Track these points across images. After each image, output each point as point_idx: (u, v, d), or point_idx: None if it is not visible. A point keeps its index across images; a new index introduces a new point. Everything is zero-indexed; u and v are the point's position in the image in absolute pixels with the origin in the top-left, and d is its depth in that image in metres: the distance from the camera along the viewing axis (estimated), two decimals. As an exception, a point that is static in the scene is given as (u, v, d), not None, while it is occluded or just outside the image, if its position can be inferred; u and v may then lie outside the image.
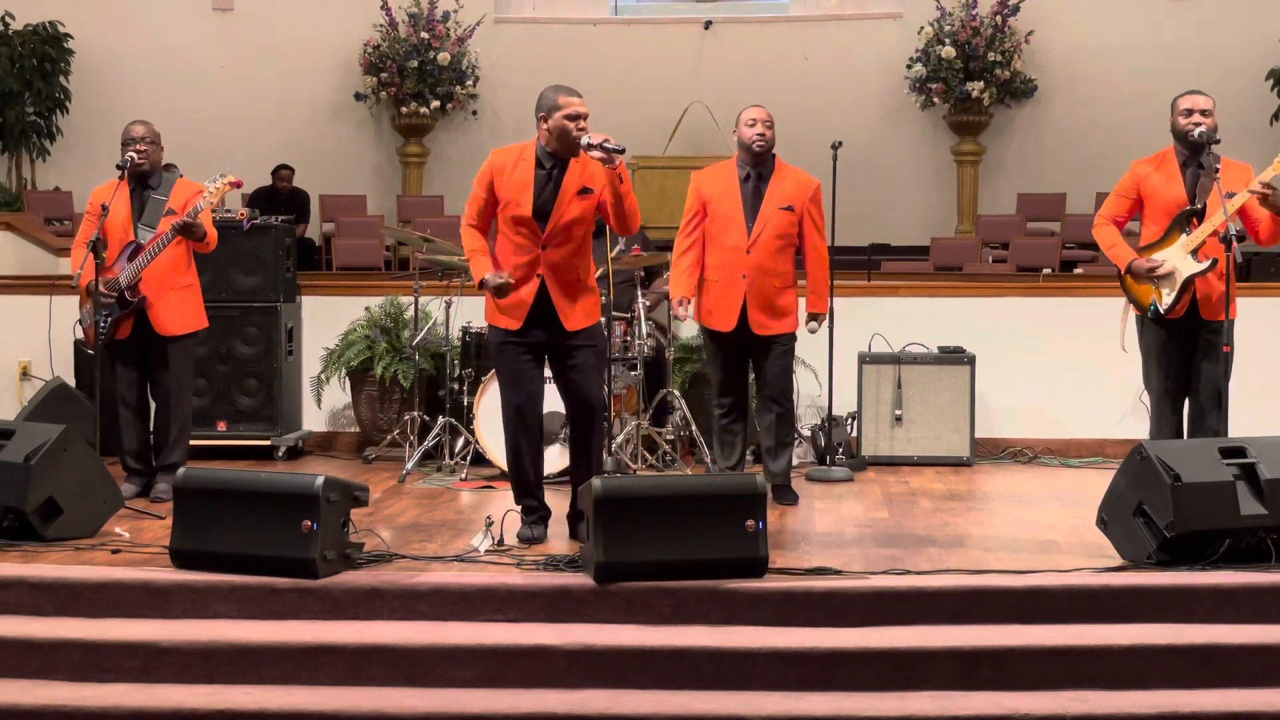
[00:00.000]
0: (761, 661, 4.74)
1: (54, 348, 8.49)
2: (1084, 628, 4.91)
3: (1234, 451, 5.37)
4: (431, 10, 14.41)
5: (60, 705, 4.60)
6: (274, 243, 8.51)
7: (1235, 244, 5.98)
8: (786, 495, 6.91)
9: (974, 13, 14.02)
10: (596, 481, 5.12)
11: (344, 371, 8.65)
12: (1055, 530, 6.20)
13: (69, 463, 5.88)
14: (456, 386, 7.97)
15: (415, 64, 14.22)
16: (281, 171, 13.83)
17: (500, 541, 5.70)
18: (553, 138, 5.75)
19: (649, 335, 7.79)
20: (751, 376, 7.06)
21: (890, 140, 14.40)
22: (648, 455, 7.92)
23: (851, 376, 8.39)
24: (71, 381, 8.39)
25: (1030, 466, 8.40)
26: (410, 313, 8.50)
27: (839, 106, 13.97)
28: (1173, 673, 4.73)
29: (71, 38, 14.38)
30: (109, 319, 6.81)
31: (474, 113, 14.67)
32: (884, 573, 5.24)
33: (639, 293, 7.95)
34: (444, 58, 14.23)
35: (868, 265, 11.07)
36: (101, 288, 6.76)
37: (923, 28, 14.12)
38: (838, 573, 5.23)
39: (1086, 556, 5.52)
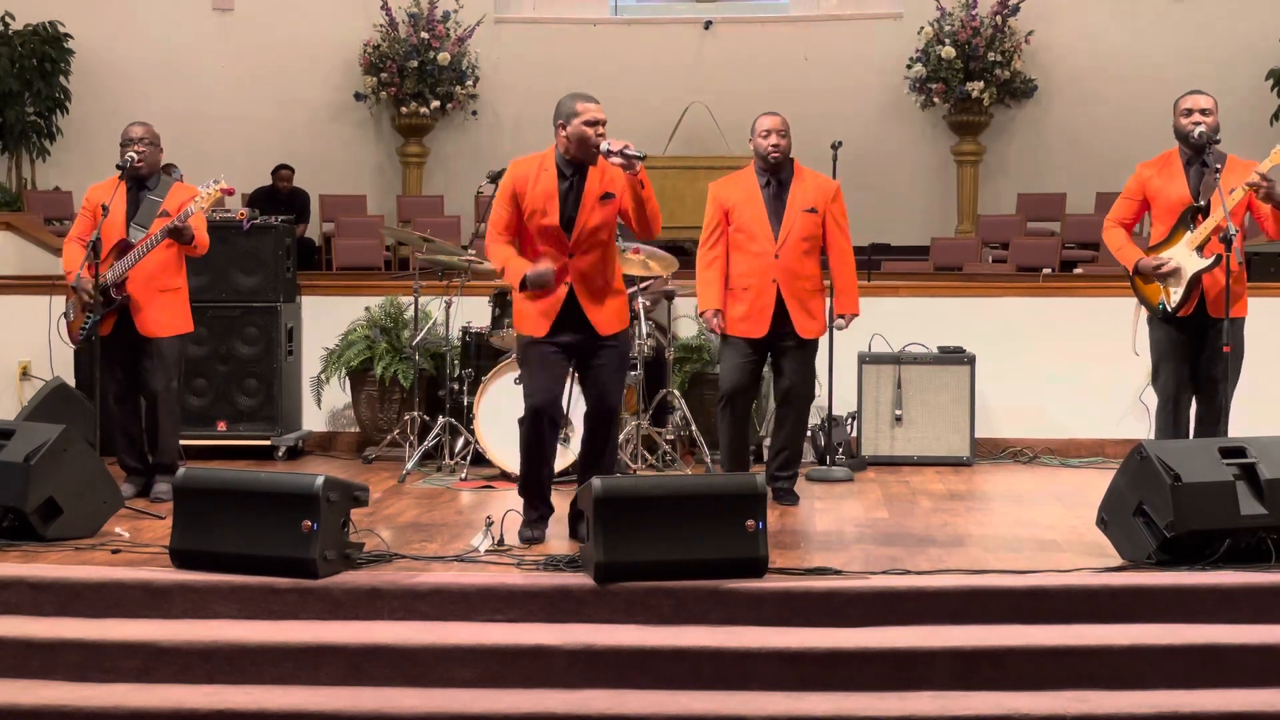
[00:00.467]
0: (761, 661, 4.74)
1: (54, 348, 8.49)
2: (1084, 628, 4.91)
3: (1234, 451, 5.37)
4: (431, 10, 14.41)
5: (60, 705, 4.60)
6: (274, 243, 8.51)
7: (1237, 243, 5.98)
8: (788, 496, 6.91)
9: (974, 13, 14.02)
10: (596, 481, 5.13)
11: (344, 371, 8.65)
12: (1055, 530, 6.20)
13: (69, 463, 5.88)
14: (456, 386, 7.97)
15: (415, 64, 14.22)
16: (281, 171, 13.83)
17: (500, 541, 5.70)
18: (572, 144, 5.75)
19: (649, 335, 7.79)
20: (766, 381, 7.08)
21: (890, 140, 14.40)
22: (648, 455, 7.92)
23: (851, 376, 8.40)
24: (71, 381, 8.39)
25: (1030, 466, 8.40)
26: (410, 313, 8.50)
27: (839, 106, 13.96)
28: (1173, 673, 4.73)
29: (71, 38, 14.38)
30: (93, 318, 6.80)
31: (474, 113, 14.66)
32: (884, 573, 5.24)
33: (639, 293, 7.95)
34: (444, 58, 14.23)
35: (868, 265, 11.03)
36: (86, 284, 6.75)
37: (923, 28, 14.12)
38: (838, 573, 5.23)
39: (1086, 556, 5.52)
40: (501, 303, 7.92)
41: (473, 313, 8.49)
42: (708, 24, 14.85)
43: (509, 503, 6.18)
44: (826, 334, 7.76)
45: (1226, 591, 5.04)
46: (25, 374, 8.94)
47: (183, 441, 7.23)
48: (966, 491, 7.46)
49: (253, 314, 8.51)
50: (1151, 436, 6.63)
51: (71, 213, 13.26)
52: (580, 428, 6.77)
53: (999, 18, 14.00)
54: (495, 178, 7.82)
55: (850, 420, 8.45)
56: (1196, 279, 6.25)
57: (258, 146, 14.13)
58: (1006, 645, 4.79)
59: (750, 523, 5.11)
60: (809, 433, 8.47)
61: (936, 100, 14.11)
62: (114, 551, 5.63)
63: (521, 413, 5.93)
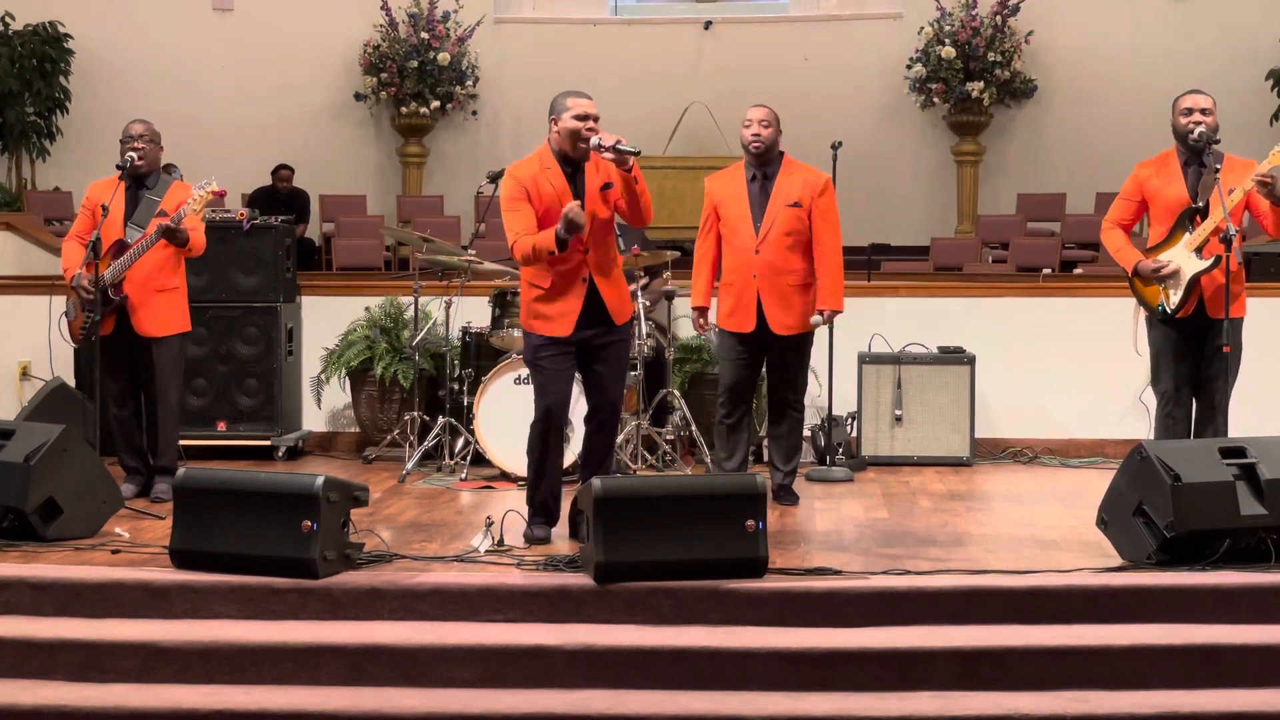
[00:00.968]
0: (761, 661, 4.74)
1: (54, 348, 8.49)
2: (1084, 628, 4.91)
3: (1234, 451, 5.37)
4: (431, 10, 14.42)
5: (60, 705, 4.60)
6: (274, 243, 8.51)
7: (1236, 243, 5.98)
8: (787, 496, 6.91)
9: (974, 13, 14.02)
10: (596, 481, 5.13)
11: (344, 371, 8.65)
12: (1055, 530, 6.20)
13: (69, 463, 5.88)
14: (456, 386, 7.97)
15: (415, 64, 14.22)
16: (281, 172, 13.83)
17: (500, 541, 5.70)
18: (563, 139, 5.76)
19: (649, 335, 7.79)
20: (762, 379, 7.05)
21: (890, 140, 14.40)
22: (648, 455, 7.92)
23: (851, 376, 8.39)
24: (71, 381, 8.40)
25: (1030, 466, 8.40)
26: (410, 313, 8.50)
27: (839, 106, 13.97)
28: (1173, 673, 4.73)
29: (71, 38, 14.38)
30: (94, 317, 6.79)
31: (474, 113, 14.67)
32: (884, 573, 5.24)
33: (639, 293, 7.95)
34: (444, 58, 14.23)
35: (868, 265, 11.05)
36: (85, 283, 6.75)
37: (923, 28, 14.12)
38: (838, 573, 5.23)
39: (1086, 556, 5.52)
40: (501, 303, 7.92)
41: (473, 313, 8.49)
42: (708, 24, 14.86)
43: (509, 503, 6.18)
44: (824, 330, 7.79)
45: (1226, 591, 5.04)
46: (25, 374, 8.94)
47: (183, 441, 7.23)
48: (966, 491, 7.46)
49: (253, 314, 8.51)
50: (1151, 436, 6.63)
51: (71, 213, 13.25)
52: (580, 428, 6.77)
53: (999, 18, 14.00)
54: (495, 178, 7.81)
55: (850, 420, 8.45)
56: (1195, 280, 6.25)
57: (258, 146, 14.13)
58: (1006, 645, 4.79)
59: (750, 523, 5.11)
60: (809, 433, 8.49)
61: (936, 100, 14.11)
62: (114, 551, 5.63)
63: (527, 414, 5.92)
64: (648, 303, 7.91)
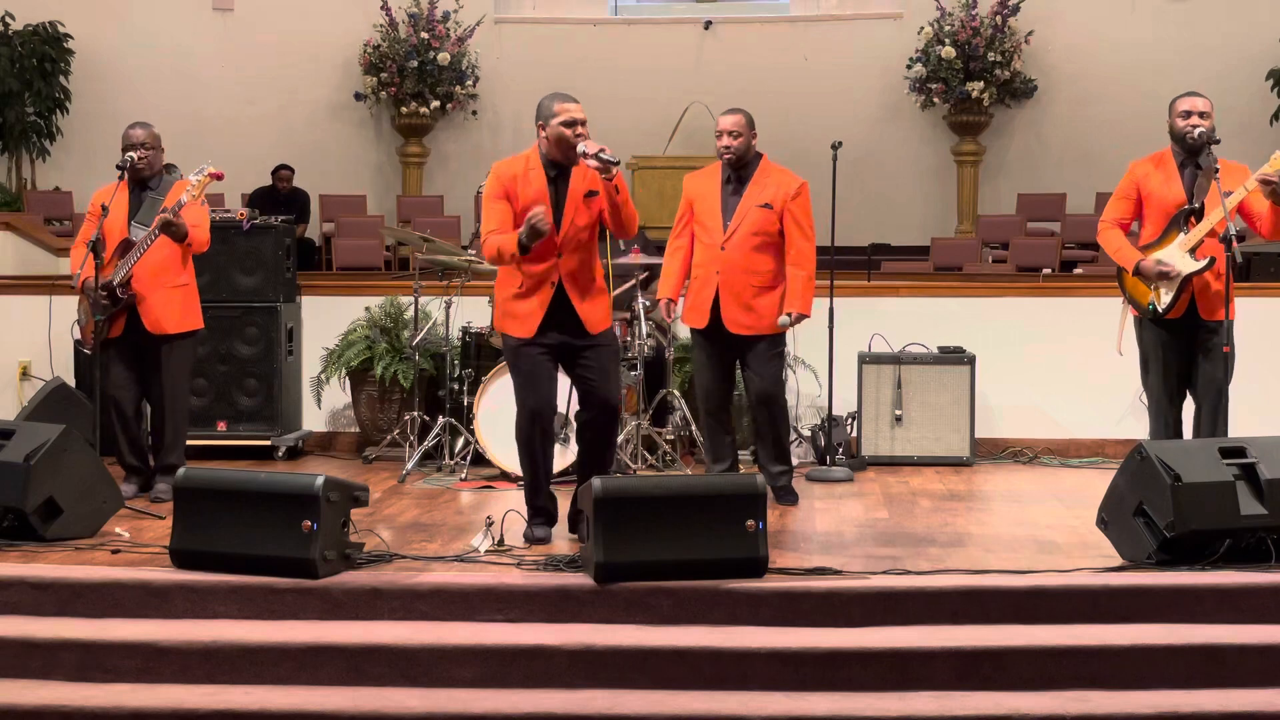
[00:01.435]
0: (761, 661, 4.74)
1: (54, 348, 8.49)
2: (1084, 628, 4.91)
3: (1234, 451, 5.37)
4: (431, 10, 14.42)
5: (60, 705, 4.60)
6: (274, 243, 8.51)
7: (1235, 244, 5.98)
8: (787, 496, 6.91)
9: (974, 13, 14.02)
10: (596, 481, 5.13)
11: (344, 371, 8.65)
12: (1055, 530, 6.20)
13: (69, 463, 5.87)
14: (456, 386, 7.97)
15: (415, 64, 14.22)
16: (281, 172, 13.84)
17: (500, 541, 5.70)
18: (552, 144, 5.76)
19: (649, 335, 7.80)
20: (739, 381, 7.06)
21: (890, 140, 14.41)
22: (648, 455, 7.93)
23: (851, 376, 8.39)
24: (71, 381, 8.39)
25: (1030, 466, 8.40)
26: (410, 313, 8.50)
27: (839, 106, 13.98)
28: (1173, 673, 4.73)
29: (71, 38, 14.39)
30: (100, 319, 6.79)
31: (474, 113, 14.68)
32: (884, 573, 5.24)
33: (639, 293, 7.95)
34: (444, 58, 14.24)
35: (868, 265, 11.07)
36: (92, 285, 6.75)
37: (923, 28, 14.13)
38: (838, 573, 5.23)
39: (1086, 556, 5.52)
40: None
41: (473, 313, 8.49)
42: (708, 24, 14.86)
43: (509, 503, 6.18)
44: (824, 330, 7.80)
45: (1226, 591, 5.04)
46: (25, 374, 8.94)
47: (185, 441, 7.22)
48: (966, 491, 7.46)
49: (253, 314, 8.51)
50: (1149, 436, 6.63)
51: (71, 213, 13.29)
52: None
53: (999, 18, 14.01)
54: (495, 178, 7.80)
55: (850, 420, 8.45)
56: (1187, 281, 6.24)
57: (257, 146, 14.14)
58: (1006, 645, 4.79)
59: (750, 523, 5.11)
60: (809, 433, 8.49)
61: (936, 100, 14.12)
62: (114, 551, 5.63)
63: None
64: (648, 303, 7.90)
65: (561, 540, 5.87)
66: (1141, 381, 6.56)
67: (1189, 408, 6.46)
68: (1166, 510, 5.18)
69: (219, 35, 14.70)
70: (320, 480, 5.15)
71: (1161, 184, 6.38)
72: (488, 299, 8.16)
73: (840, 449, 8.21)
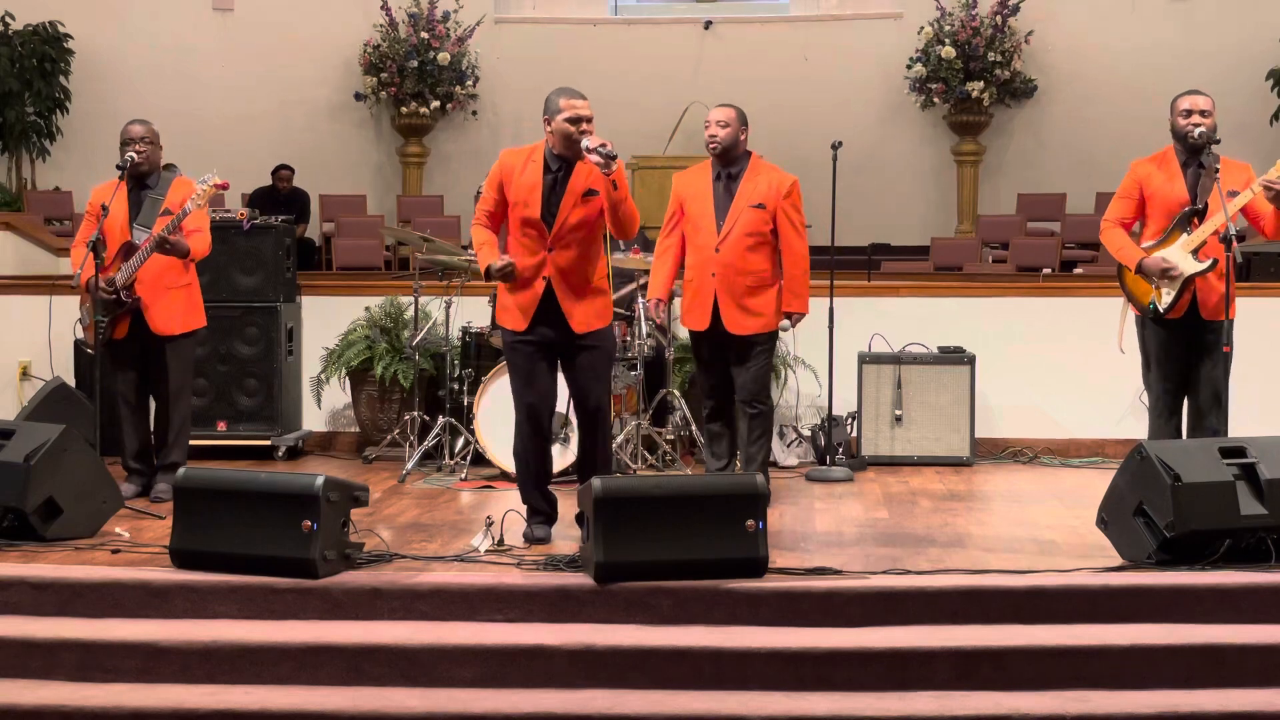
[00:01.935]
0: (761, 661, 4.74)
1: (54, 348, 8.49)
2: (1084, 628, 4.91)
3: (1234, 451, 5.37)
4: (431, 10, 14.42)
5: (60, 705, 4.60)
6: (274, 243, 8.51)
7: (1235, 244, 5.98)
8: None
9: (974, 13, 14.02)
10: (596, 481, 5.13)
11: (344, 371, 8.65)
12: (1055, 530, 6.20)
13: (69, 463, 5.87)
14: (456, 386, 7.97)
15: (415, 64, 14.22)
16: (281, 172, 13.84)
17: (500, 541, 5.70)
18: (556, 140, 5.76)
19: (649, 335, 7.79)
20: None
21: (890, 140, 14.41)
22: (648, 455, 7.93)
23: (851, 376, 8.39)
24: (71, 381, 8.39)
25: (1030, 466, 8.40)
26: (410, 313, 8.50)
27: (839, 106, 13.98)
28: (1173, 673, 4.73)
29: (71, 38, 14.39)
30: (104, 319, 6.79)
31: (474, 113, 14.68)
32: (884, 573, 5.24)
33: (640, 294, 7.95)
34: (444, 58, 14.24)
35: (868, 265, 11.07)
36: (101, 284, 6.76)
37: (923, 28, 14.13)
38: (838, 573, 5.23)
39: (1086, 556, 5.52)
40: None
41: (473, 313, 8.49)
42: (708, 24, 14.86)
43: (509, 503, 6.17)
44: (825, 331, 7.79)
45: (1226, 591, 5.04)
46: (25, 374, 8.94)
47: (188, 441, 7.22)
48: (966, 491, 7.46)
49: (253, 314, 8.51)
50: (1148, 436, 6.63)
51: (72, 213, 13.28)
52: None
53: (999, 18, 14.01)
54: (495, 178, 7.80)
55: (850, 420, 8.45)
56: (1189, 281, 6.24)
57: (258, 146, 14.14)
58: (1006, 645, 4.79)
59: (750, 523, 5.11)
60: (809, 433, 8.49)
61: (936, 100, 14.12)
62: (114, 551, 5.63)
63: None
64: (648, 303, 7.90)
65: (562, 540, 5.87)
66: (1143, 380, 6.56)
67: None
68: (1166, 510, 5.18)
69: (219, 35, 14.70)
70: (320, 480, 5.15)
71: (1164, 183, 6.37)
72: (488, 299, 8.16)
73: (840, 449, 8.22)
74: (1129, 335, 6.55)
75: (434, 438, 7.91)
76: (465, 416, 7.87)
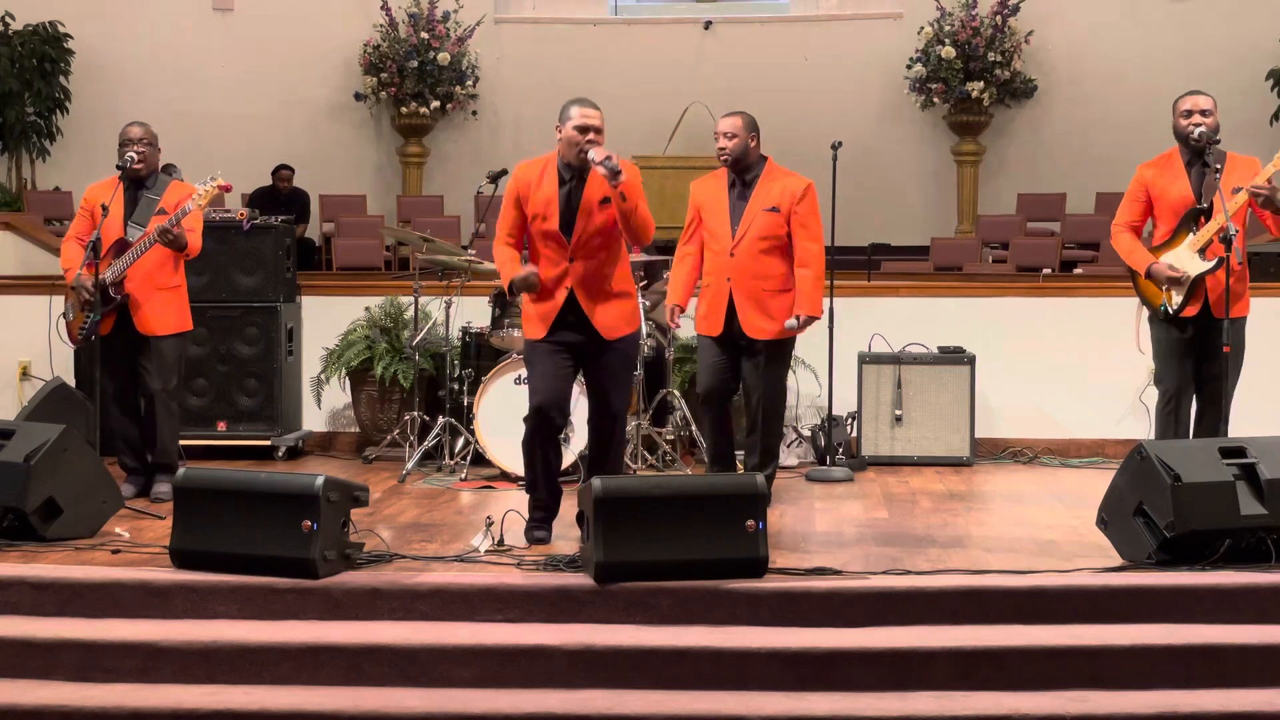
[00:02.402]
0: (761, 661, 4.74)
1: (54, 348, 8.47)
2: (1084, 628, 4.91)
3: (1234, 451, 5.37)
4: (431, 10, 14.42)
5: (60, 705, 4.60)
6: (274, 243, 8.51)
7: (1235, 243, 5.98)
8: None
9: (974, 13, 14.02)
10: (596, 481, 5.13)
11: (344, 371, 8.65)
12: (1055, 530, 6.20)
13: (69, 463, 5.87)
14: (456, 386, 7.97)
15: (415, 64, 14.22)
16: (281, 172, 13.83)
17: (500, 541, 5.70)
18: (566, 147, 5.77)
19: (649, 335, 7.79)
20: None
21: (890, 140, 14.41)
22: (648, 455, 7.93)
23: (851, 376, 8.39)
24: (71, 381, 8.38)
25: (1030, 466, 8.40)
26: (410, 313, 8.50)
27: (839, 106, 13.98)
28: (1173, 673, 4.73)
29: (71, 38, 14.38)
30: (93, 318, 6.78)
31: (474, 113, 14.68)
32: (884, 573, 5.24)
33: (639, 293, 7.95)
34: (444, 58, 14.24)
35: (868, 265, 11.06)
36: (85, 284, 6.75)
37: (923, 28, 14.13)
38: (838, 573, 5.23)
39: (1086, 556, 5.52)
40: (501, 303, 7.92)
41: (473, 313, 8.49)
42: (708, 24, 14.87)
43: (509, 503, 6.18)
44: (825, 330, 7.78)
45: (1226, 591, 5.04)
46: (25, 374, 8.94)
47: (183, 441, 7.23)
48: (966, 491, 7.46)
49: (253, 314, 8.50)
50: (1151, 436, 6.63)
51: (72, 213, 13.24)
52: (580, 429, 6.78)
53: (999, 18, 14.01)
54: (495, 178, 7.81)
55: (850, 420, 8.45)
56: (1199, 281, 6.25)
57: (258, 146, 14.14)
58: (1006, 645, 4.79)
59: (750, 523, 5.11)
60: (809, 433, 8.48)
61: (936, 100, 14.12)
62: (114, 551, 5.63)
63: (524, 412, 5.93)
64: (648, 303, 7.90)
65: (562, 540, 5.87)
66: (1154, 379, 6.56)
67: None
68: (1166, 510, 5.18)
69: (219, 35, 14.69)
70: (320, 480, 5.15)
71: (1169, 184, 6.38)
72: (488, 299, 8.17)
73: (840, 449, 8.21)
74: (1144, 335, 6.55)
75: (434, 438, 7.91)
76: (465, 417, 7.87)
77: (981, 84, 13.93)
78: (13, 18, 14.19)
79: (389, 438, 8.44)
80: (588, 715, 4.53)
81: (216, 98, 14.46)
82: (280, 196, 13.49)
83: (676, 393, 8.07)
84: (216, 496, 5.32)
